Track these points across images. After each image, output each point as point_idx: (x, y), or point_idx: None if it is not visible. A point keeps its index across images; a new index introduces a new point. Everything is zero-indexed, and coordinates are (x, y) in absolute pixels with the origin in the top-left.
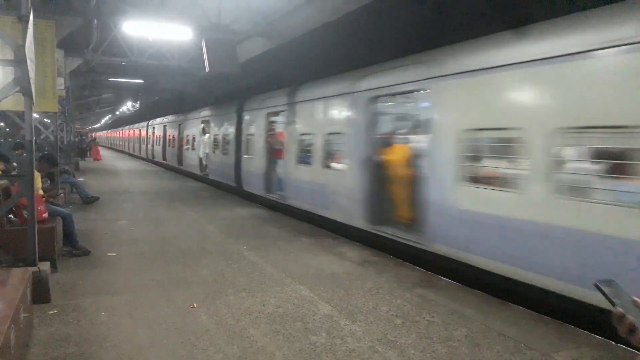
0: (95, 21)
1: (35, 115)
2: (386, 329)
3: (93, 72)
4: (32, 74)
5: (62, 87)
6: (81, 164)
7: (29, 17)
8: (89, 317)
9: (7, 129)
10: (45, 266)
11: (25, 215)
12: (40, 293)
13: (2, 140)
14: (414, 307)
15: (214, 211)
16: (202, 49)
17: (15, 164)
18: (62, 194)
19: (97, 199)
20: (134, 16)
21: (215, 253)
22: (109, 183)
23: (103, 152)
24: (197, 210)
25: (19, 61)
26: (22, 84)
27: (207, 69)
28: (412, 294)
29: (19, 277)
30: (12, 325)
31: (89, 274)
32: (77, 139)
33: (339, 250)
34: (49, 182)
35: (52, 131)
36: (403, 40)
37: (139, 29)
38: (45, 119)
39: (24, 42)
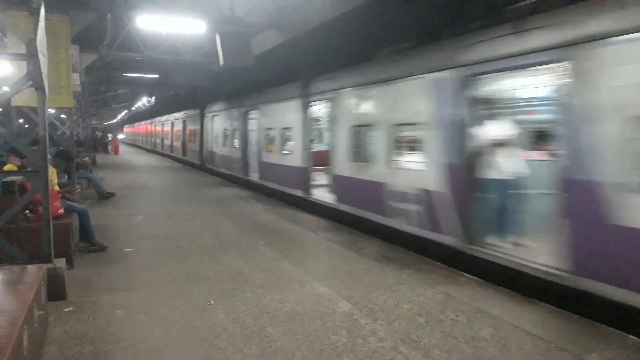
0: (109, 16)
1: (51, 110)
2: (409, 328)
3: (108, 68)
4: (44, 69)
5: (78, 82)
6: (99, 158)
7: (39, 10)
8: (105, 314)
9: (27, 125)
10: (61, 263)
11: (41, 212)
12: (56, 290)
13: (21, 139)
14: (436, 305)
15: (230, 206)
16: (215, 43)
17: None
18: (78, 190)
19: (113, 194)
20: (147, 10)
21: (232, 248)
22: (125, 178)
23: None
24: (213, 205)
25: (30, 55)
26: (34, 79)
27: (221, 63)
28: (434, 291)
29: (33, 275)
30: (25, 327)
31: (105, 270)
32: (99, 134)
33: (357, 246)
34: (66, 177)
35: (68, 127)
36: (422, 29)
37: (152, 23)
38: (62, 115)
39: (36, 36)
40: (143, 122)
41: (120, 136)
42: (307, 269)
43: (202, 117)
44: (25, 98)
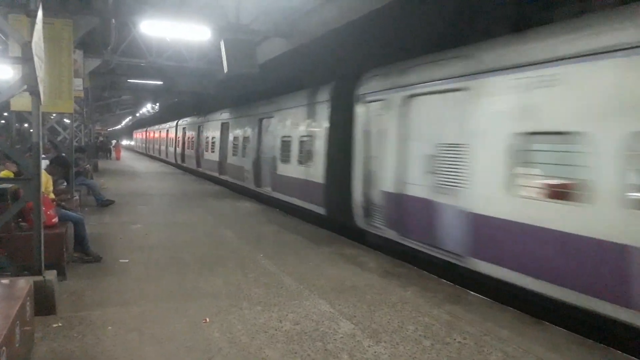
0: (114, 21)
1: (53, 115)
2: (414, 351)
3: (112, 74)
4: (39, 73)
5: (80, 87)
6: (101, 164)
7: (37, 12)
8: (95, 331)
9: (32, 130)
10: (51, 275)
11: None
12: (44, 304)
13: (19, 145)
14: (443, 327)
15: (231, 214)
16: (220, 50)
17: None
18: (76, 197)
19: (112, 202)
20: (152, 16)
21: (231, 261)
22: (126, 185)
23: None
24: (214, 214)
25: (25, 59)
26: (29, 83)
27: (225, 70)
28: (441, 310)
29: (19, 289)
30: (4, 348)
31: (99, 283)
32: (100, 140)
33: (359, 261)
34: (65, 184)
35: (69, 133)
36: (429, 38)
37: (157, 29)
38: (65, 119)
39: (32, 39)
40: (164, 125)
41: (130, 142)
42: (309, 283)
43: (344, 104)
44: (25, 102)
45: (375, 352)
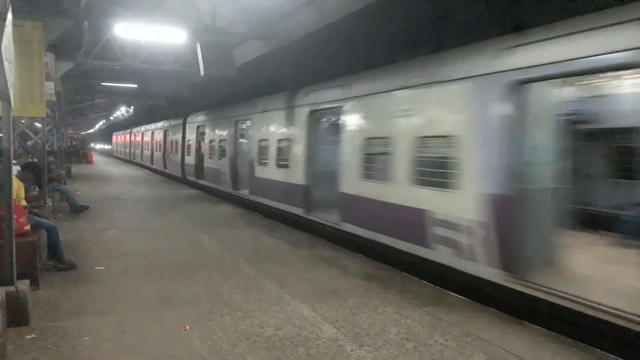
0: (86, 23)
1: (22, 120)
2: (397, 354)
3: (86, 77)
4: (10, 77)
5: (52, 91)
6: (74, 169)
7: (6, 14)
8: (71, 342)
9: (1, 135)
10: (24, 285)
11: None
12: (17, 315)
13: None
14: (425, 329)
15: (208, 218)
16: (197, 52)
17: None
18: (49, 204)
19: (87, 208)
20: (126, 18)
21: (210, 266)
22: (101, 190)
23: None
24: (192, 220)
25: None
26: None
27: (202, 73)
28: (422, 312)
29: None
30: None
31: (74, 291)
32: (73, 144)
33: (340, 263)
34: (37, 190)
35: (41, 137)
36: (405, 41)
37: (131, 32)
38: (36, 123)
39: (1, 42)
40: (162, 124)
41: (107, 146)
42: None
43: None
44: None
45: (358, 356)
